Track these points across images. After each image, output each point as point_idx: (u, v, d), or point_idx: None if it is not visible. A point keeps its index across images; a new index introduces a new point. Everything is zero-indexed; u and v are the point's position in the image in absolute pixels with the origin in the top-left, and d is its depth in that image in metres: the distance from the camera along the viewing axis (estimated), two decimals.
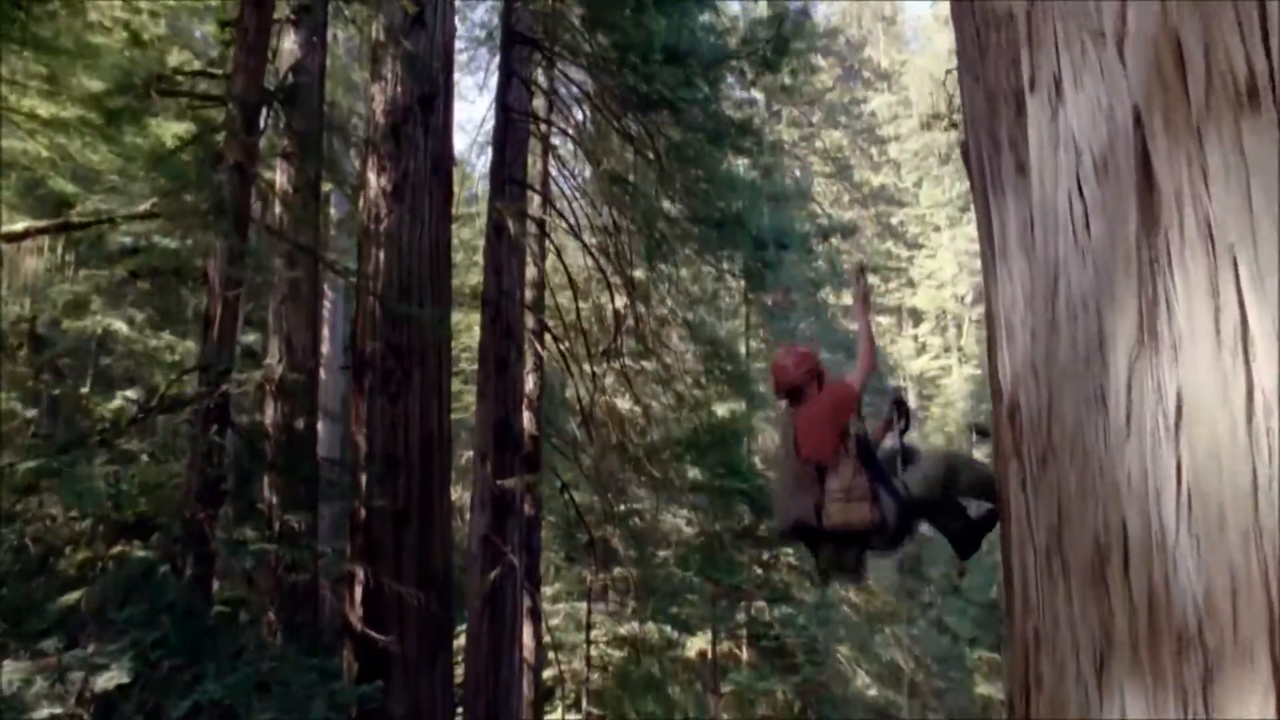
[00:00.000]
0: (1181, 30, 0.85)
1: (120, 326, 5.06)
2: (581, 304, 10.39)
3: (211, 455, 5.94)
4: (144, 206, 5.12)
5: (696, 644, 12.49)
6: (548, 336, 10.33)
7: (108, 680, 4.40)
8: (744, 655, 9.88)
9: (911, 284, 29.49)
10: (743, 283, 10.52)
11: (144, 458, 5.28)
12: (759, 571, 7.48)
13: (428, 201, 9.39)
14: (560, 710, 12.56)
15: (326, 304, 10.08)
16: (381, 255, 8.96)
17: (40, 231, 4.70)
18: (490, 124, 9.60)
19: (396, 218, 9.00)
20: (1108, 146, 0.97)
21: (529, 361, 11.04)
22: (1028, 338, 1.13)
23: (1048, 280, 1.10)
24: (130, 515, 5.16)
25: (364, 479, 8.45)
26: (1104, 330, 0.99)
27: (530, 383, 11.22)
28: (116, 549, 5.25)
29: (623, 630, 12.93)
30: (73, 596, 4.87)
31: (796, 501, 2.72)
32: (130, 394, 5.23)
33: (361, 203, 9.34)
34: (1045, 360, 1.07)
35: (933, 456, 2.87)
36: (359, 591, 7.95)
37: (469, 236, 14.19)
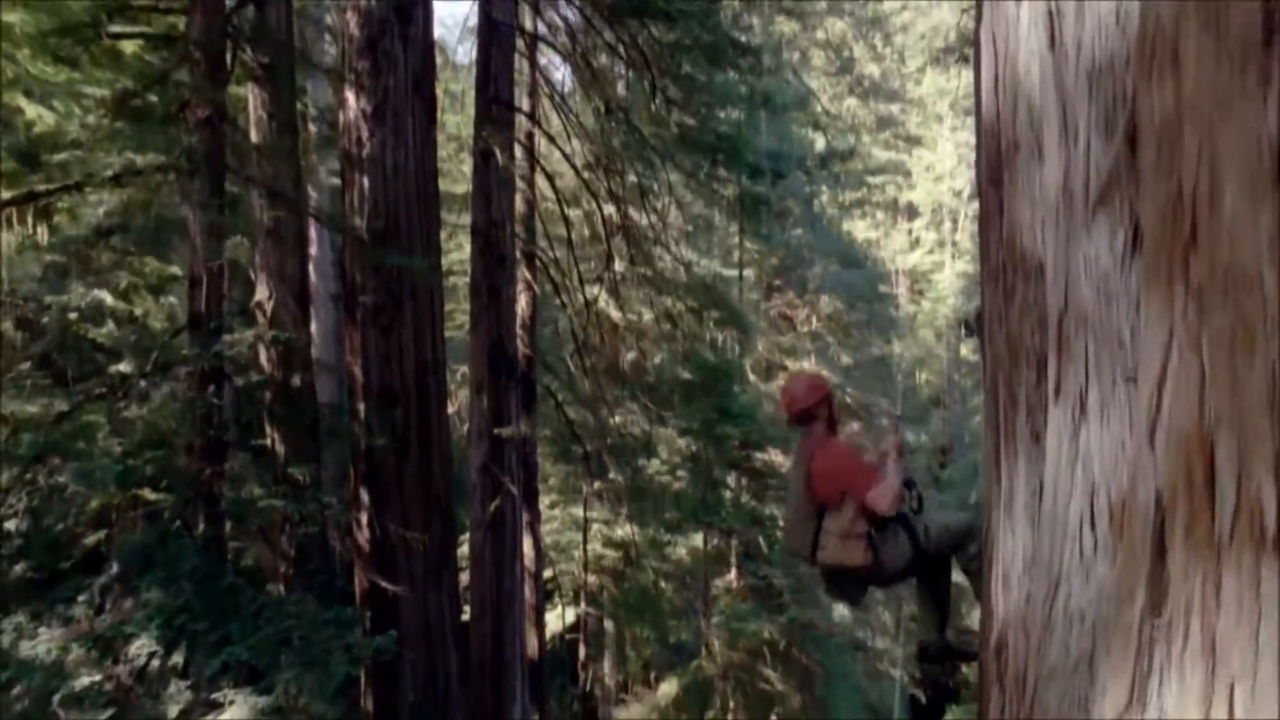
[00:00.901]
0: (1217, 441, 0.82)
1: (104, 297, 4.97)
2: (571, 213, 10.18)
3: (211, 415, 6.02)
4: (110, 170, 4.89)
5: (687, 544, 13.21)
6: (539, 261, 10.19)
7: (139, 647, 4.68)
8: (732, 559, 10.49)
9: (908, 175, 28.78)
10: (736, 213, 10.27)
11: (143, 423, 5.35)
12: (748, 505, 7.84)
13: (410, 123, 8.99)
14: (560, 608, 13.43)
15: (313, 232, 9.81)
16: (365, 182, 8.68)
17: (5, 204, 4.52)
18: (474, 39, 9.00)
19: (379, 141, 8.64)
20: (1125, 502, 0.97)
21: (520, 283, 10.95)
22: (1023, 597, 1.16)
23: (1049, 578, 1.11)
24: (139, 487, 5.29)
25: (362, 410, 8.58)
26: (1095, 667, 1.03)
27: (523, 303, 11.18)
28: (129, 514, 5.42)
29: (618, 534, 13.61)
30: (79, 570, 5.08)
31: (796, 535, 2.83)
32: (123, 367, 5.21)
33: (341, 125, 8.93)
34: (1038, 647, 1.11)
35: (962, 516, 2.94)
36: (364, 516, 8.29)
37: (451, 156, 13.66)
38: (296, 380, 6.42)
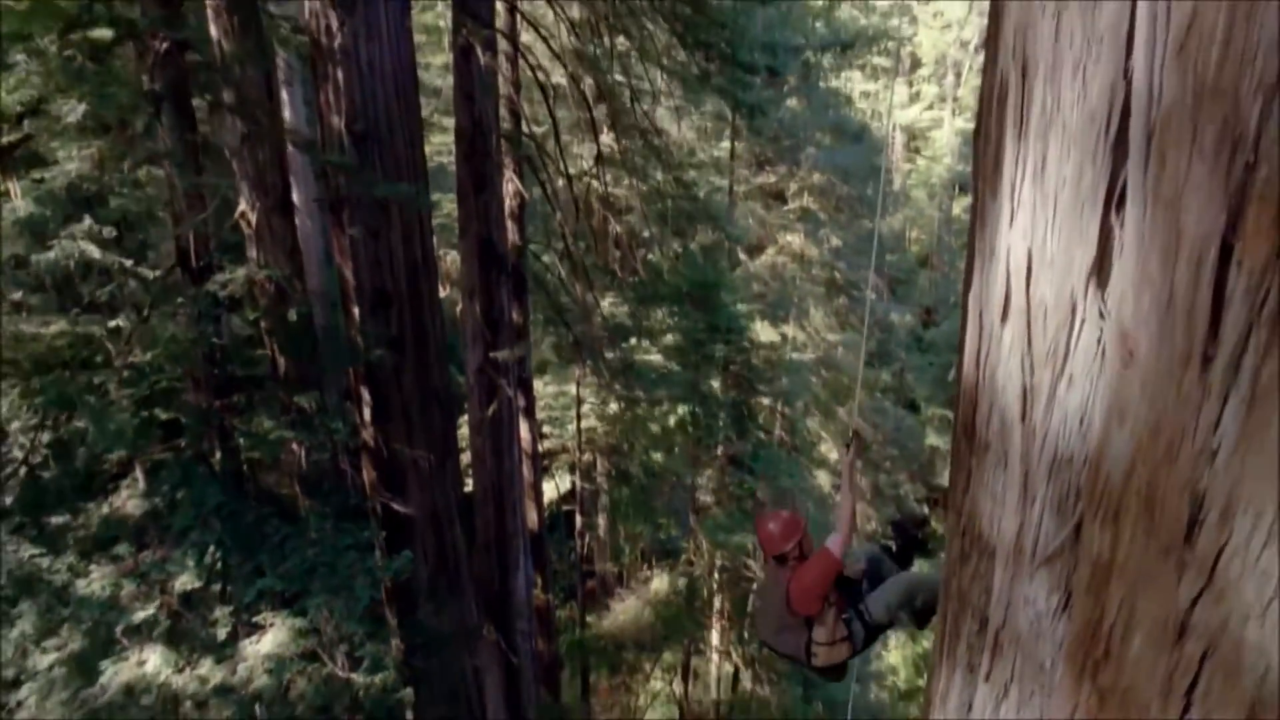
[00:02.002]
0: None
1: (90, 249, 4.93)
2: (556, 98, 9.71)
3: (213, 353, 6.16)
4: (73, 118, 4.68)
5: (677, 413, 13.91)
6: (525, 155, 9.87)
7: (183, 584, 5.16)
8: (713, 470, 11.13)
9: (914, 22, 26.95)
10: (729, 116, 9.77)
11: (149, 369, 5.50)
12: (734, 409, 8.21)
13: (383, 9, 8.42)
14: (555, 480, 14.32)
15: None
16: (339, 76, 8.25)
17: None
18: None
19: (350, 32, 8.13)
20: None
21: (508, 172, 10.65)
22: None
23: None
24: (154, 435, 5.54)
25: (356, 312, 8.71)
26: None
27: (510, 191, 10.94)
28: (147, 452, 5.71)
29: (610, 409, 14.24)
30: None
31: (786, 641, 3.17)
32: (121, 321, 5.27)
33: (306, 13, 8.31)
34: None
35: (897, 584, 3.24)
36: (368, 413, 8.69)
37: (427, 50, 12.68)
38: (293, 314, 6.49)
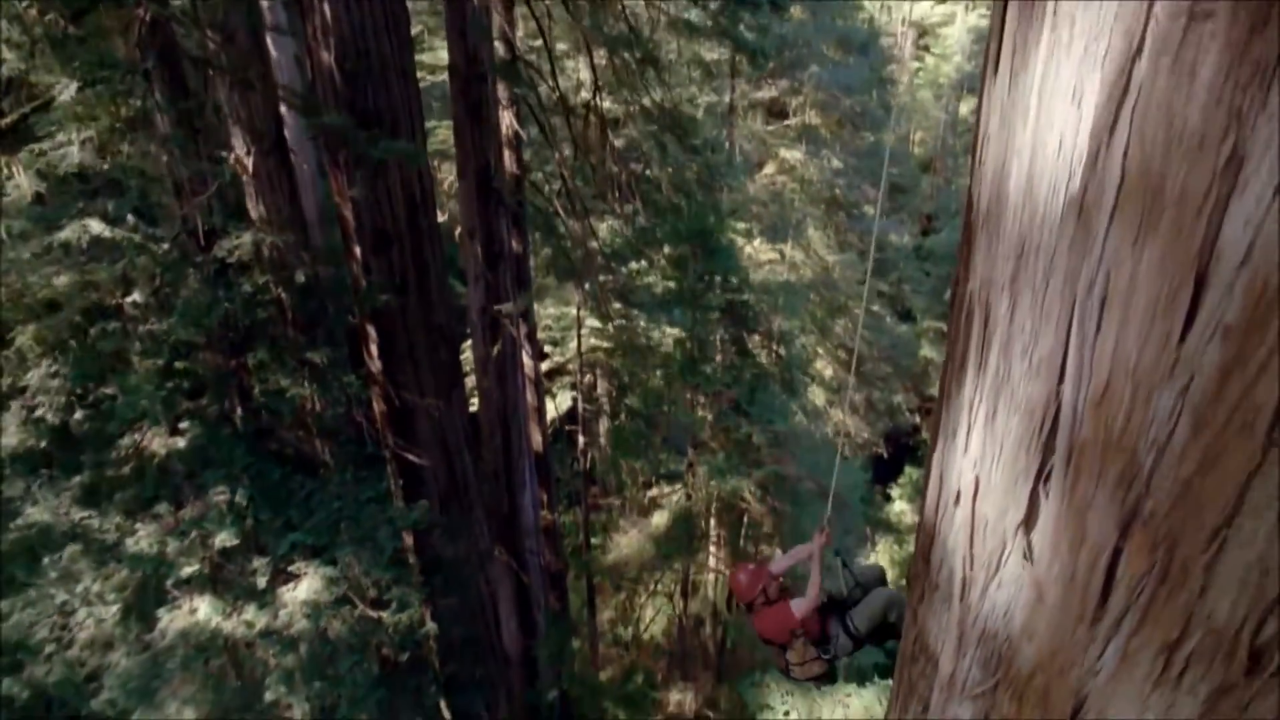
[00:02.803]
0: None
1: (99, 227, 5.01)
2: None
3: (227, 316, 6.35)
4: (67, 96, 4.66)
5: (673, 335, 14.23)
6: (522, 88, 9.62)
7: (222, 540, 5.60)
8: (718, 352, 11.47)
9: None
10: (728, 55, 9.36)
11: (169, 341, 5.72)
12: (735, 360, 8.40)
13: None
14: (555, 401, 14.78)
15: (280, 73, 9.05)
16: (327, 9, 8.01)
17: None
18: None
19: None
20: None
21: (503, 106, 10.40)
22: None
23: None
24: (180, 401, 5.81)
25: (358, 251, 8.82)
26: None
27: (508, 119, 10.73)
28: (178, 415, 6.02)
29: (609, 328, 14.50)
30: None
31: (771, 654, 3.66)
32: (137, 297, 5.42)
33: None
34: None
35: (876, 598, 3.60)
36: (375, 349, 8.97)
37: None
38: (300, 276, 6.62)
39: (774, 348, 7.80)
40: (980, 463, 1.33)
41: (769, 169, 16.53)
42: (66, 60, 4.77)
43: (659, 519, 8.00)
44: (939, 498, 1.58)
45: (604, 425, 13.17)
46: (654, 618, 9.15)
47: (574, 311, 14.57)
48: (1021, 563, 1.27)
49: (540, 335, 14.70)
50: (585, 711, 8.65)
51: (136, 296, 5.38)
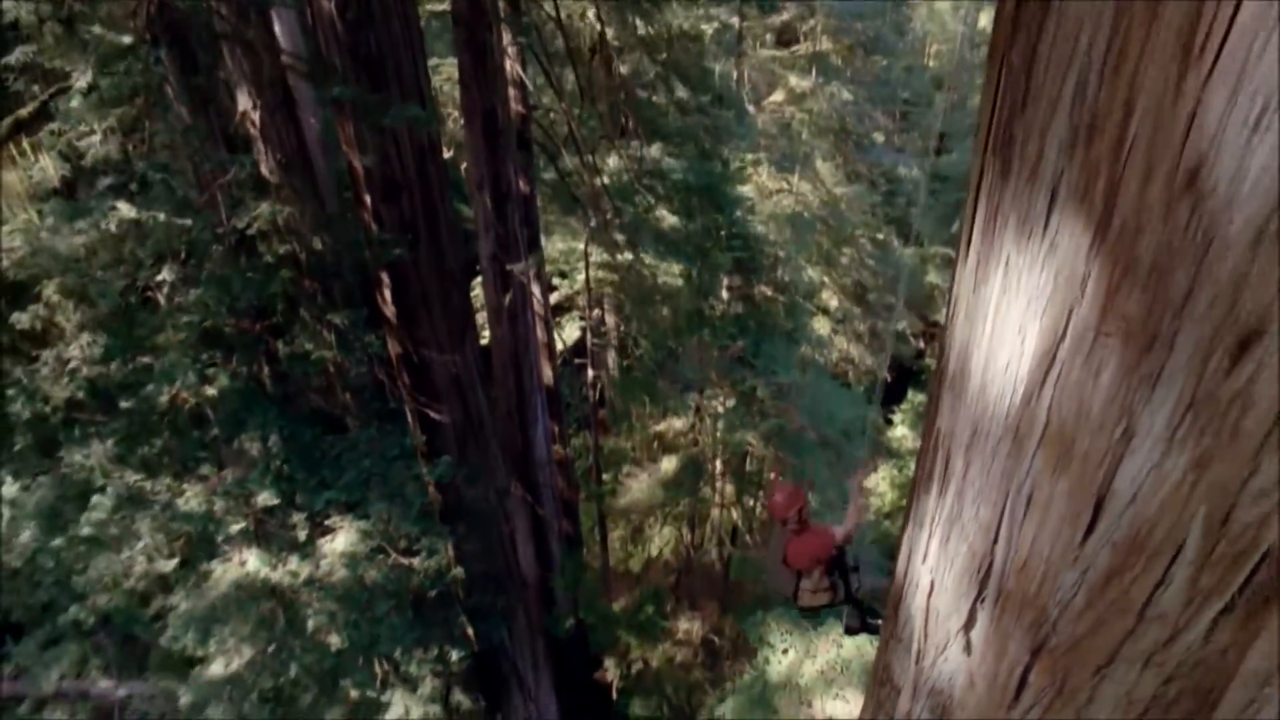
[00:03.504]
0: None
1: (126, 210, 5.19)
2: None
3: (249, 284, 6.59)
4: (83, 83, 4.76)
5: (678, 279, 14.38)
6: (527, 32, 9.43)
7: (264, 499, 6.07)
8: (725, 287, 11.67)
9: None
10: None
11: (197, 316, 5.99)
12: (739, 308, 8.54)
13: None
14: (564, 330, 15.08)
15: (277, 27, 8.83)
16: None
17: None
18: None
19: None
20: None
21: (508, 49, 10.20)
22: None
23: None
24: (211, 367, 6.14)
25: (368, 200, 8.94)
26: None
27: (513, 54, 10.54)
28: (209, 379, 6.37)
29: (618, 258, 14.63)
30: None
31: (779, 581, 3.94)
32: (167, 274, 5.66)
33: None
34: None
35: (880, 584, 3.93)
36: (389, 294, 9.23)
37: None
38: (318, 242, 6.81)
39: (779, 298, 7.99)
40: (935, 570, 1.65)
41: (777, 96, 16.16)
42: (80, 47, 4.84)
43: (667, 464, 8.47)
44: (906, 573, 1.91)
45: (612, 358, 13.52)
46: (663, 548, 9.77)
47: (580, 246, 14.65)
48: (962, 652, 1.61)
49: (548, 269, 14.83)
50: (600, 639, 9.45)
51: (166, 274, 5.62)
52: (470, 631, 8.27)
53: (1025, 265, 1.23)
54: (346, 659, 6.21)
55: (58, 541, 5.58)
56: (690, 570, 8.48)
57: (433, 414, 7.70)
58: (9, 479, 5.70)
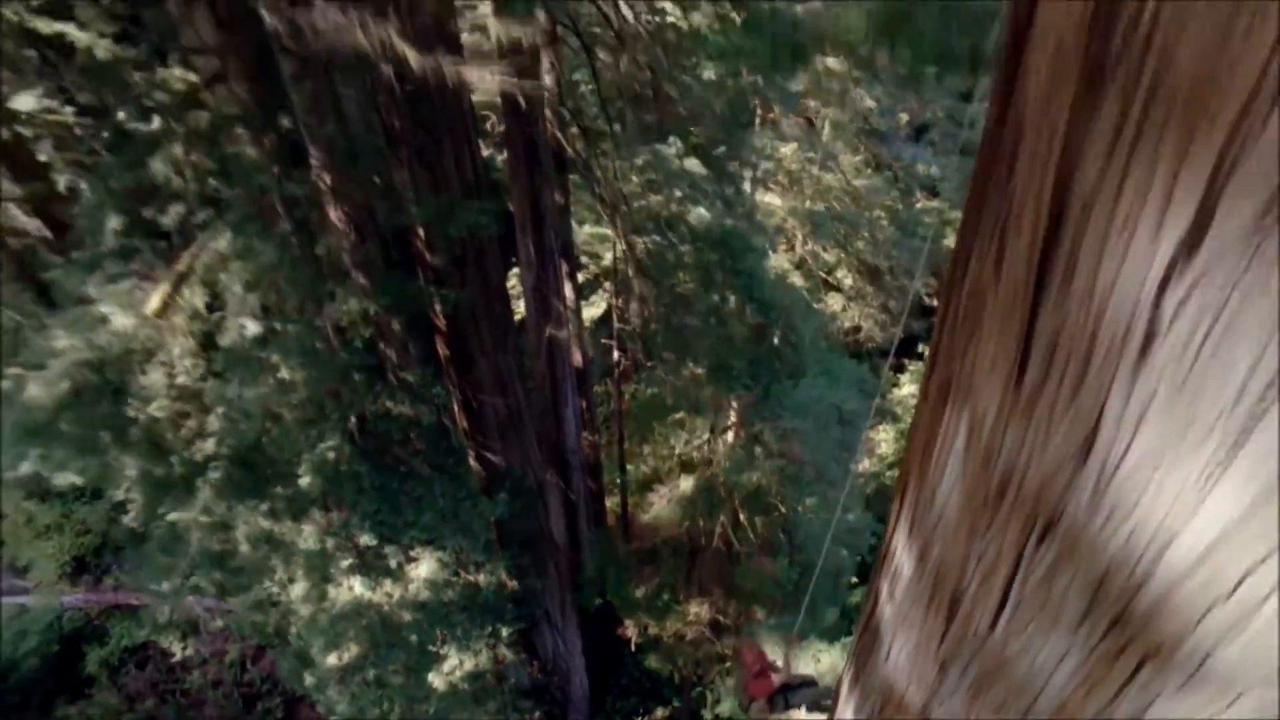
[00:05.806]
0: None
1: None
2: None
3: (335, 359, 7.99)
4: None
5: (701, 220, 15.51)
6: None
7: (365, 541, 7.76)
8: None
9: None
10: None
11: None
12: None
13: None
14: (596, 306, 16.32)
15: None
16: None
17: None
18: None
19: None
20: None
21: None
22: None
23: None
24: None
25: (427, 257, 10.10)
26: None
27: (550, 60, 11.27)
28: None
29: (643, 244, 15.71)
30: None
31: (744, 696, 5.52)
32: (285, 374, 7.08)
33: None
34: None
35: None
36: (444, 341, 10.55)
37: None
38: (395, 324, 8.12)
39: (790, 340, 9.04)
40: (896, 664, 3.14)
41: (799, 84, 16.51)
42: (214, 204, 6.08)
43: (685, 484, 9.93)
44: (875, 600, 3.43)
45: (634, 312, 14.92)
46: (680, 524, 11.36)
47: (608, 231, 15.64)
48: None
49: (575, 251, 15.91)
50: (623, 618, 11.40)
51: (284, 373, 7.06)
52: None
53: None
54: (425, 651, 8.11)
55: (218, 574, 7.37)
56: (701, 563, 10.16)
57: (489, 455, 9.23)
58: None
